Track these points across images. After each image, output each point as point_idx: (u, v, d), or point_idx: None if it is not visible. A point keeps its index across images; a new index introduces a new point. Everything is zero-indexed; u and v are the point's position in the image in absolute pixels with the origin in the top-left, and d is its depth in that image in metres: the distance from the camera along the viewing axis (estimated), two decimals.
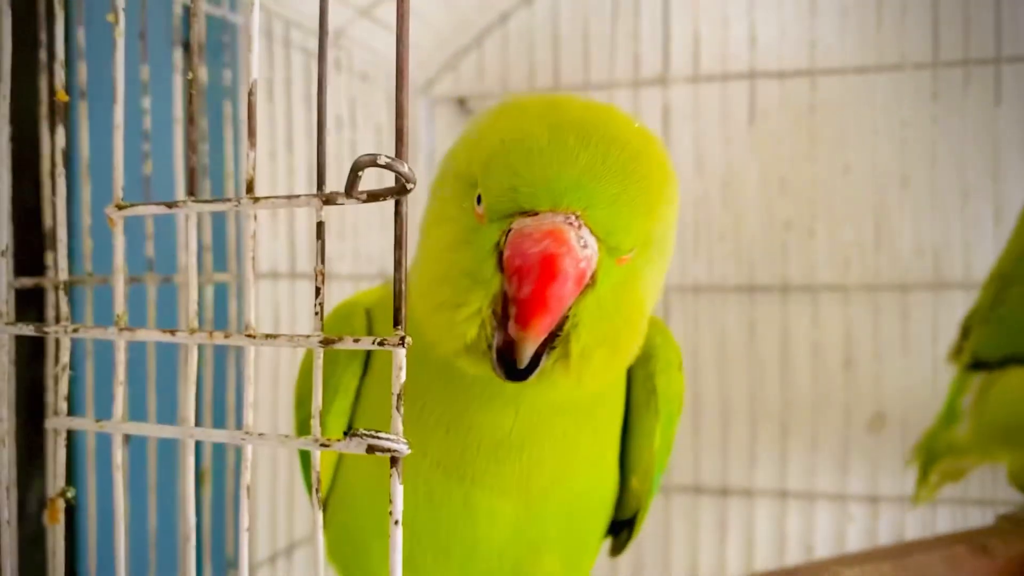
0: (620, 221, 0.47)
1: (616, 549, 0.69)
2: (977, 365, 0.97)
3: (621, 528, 0.68)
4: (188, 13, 0.89)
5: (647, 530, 1.26)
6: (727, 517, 1.25)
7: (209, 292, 0.85)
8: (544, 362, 0.48)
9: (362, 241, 1.13)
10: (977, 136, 1.17)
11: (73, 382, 0.86)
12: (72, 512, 0.87)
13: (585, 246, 0.46)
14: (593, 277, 0.47)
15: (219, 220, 0.92)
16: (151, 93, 0.77)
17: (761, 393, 1.24)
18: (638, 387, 0.60)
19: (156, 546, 0.79)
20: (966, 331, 1.01)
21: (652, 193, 0.49)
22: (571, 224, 0.46)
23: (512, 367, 0.48)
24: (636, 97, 1.25)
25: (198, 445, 0.89)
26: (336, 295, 1.06)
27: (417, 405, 0.54)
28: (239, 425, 0.82)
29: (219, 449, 0.93)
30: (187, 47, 0.96)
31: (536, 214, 0.47)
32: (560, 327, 0.48)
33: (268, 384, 0.98)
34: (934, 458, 1.04)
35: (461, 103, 1.31)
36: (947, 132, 1.17)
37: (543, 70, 1.28)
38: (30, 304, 0.76)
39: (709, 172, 1.24)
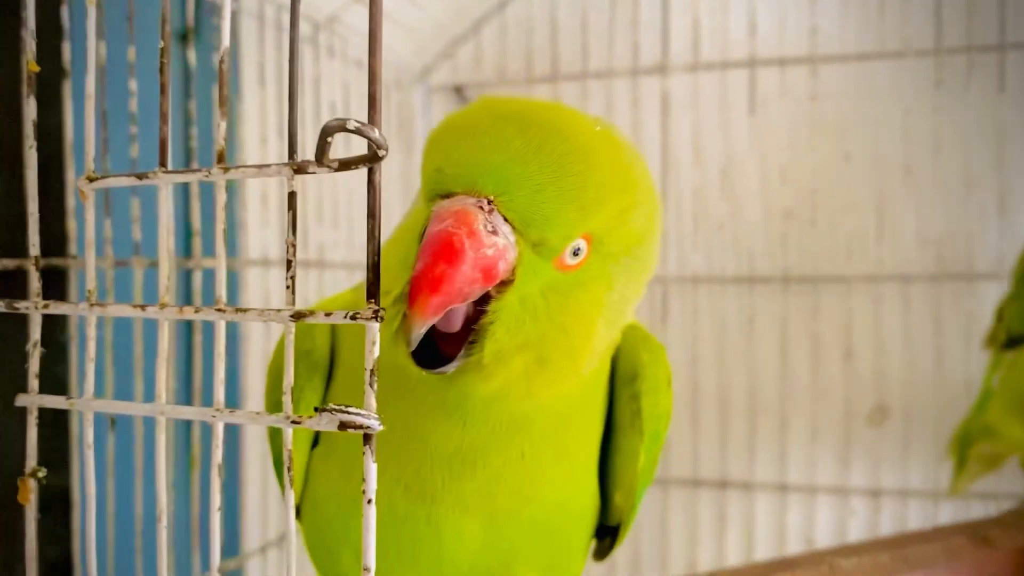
0: (543, 212, 0.45)
1: (599, 554, 0.66)
2: (1011, 343, 0.98)
3: (607, 532, 0.66)
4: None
5: (645, 523, 1.25)
6: (726, 510, 1.24)
7: (199, 277, 0.84)
8: (460, 358, 0.46)
9: (356, 229, 1.12)
10: (981, 124, 1.15)
11: (67, 364, 0.85)
12: (66, 499, 0.86)
13: (494, 232, 0.44)
14: (513, 272, 0.46)
15: (208, 206, 0.91)
16: (138, 76, 0.76)
17: (761, 385, 1.22)
18: (622, 406, 0.57)
19: (142, 534, 0.78)
20: (1001, 314, 1.01)
21: (594, 190, 0.46)
22: (480, 207, 0.44)
23: (427, 358, 0.46)
24: (635, 86, 1.24)
25: (189, 430, 0.88)
26: (329, 284, 1.05)
27: None
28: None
29: (206, 435, 0.92)
30: (183, 36, 0.95)
31: (453, 196, 0.45)
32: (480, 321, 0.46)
33: (259, 369, 0.97)
34: (969, 443, 1.04)
35: (458, 91, 1.29)
36: (950, 120, 1.16)
37: (541, 59, 1.27)
38: (17, 286, 0.75)
39: (708, 161, 1.23)
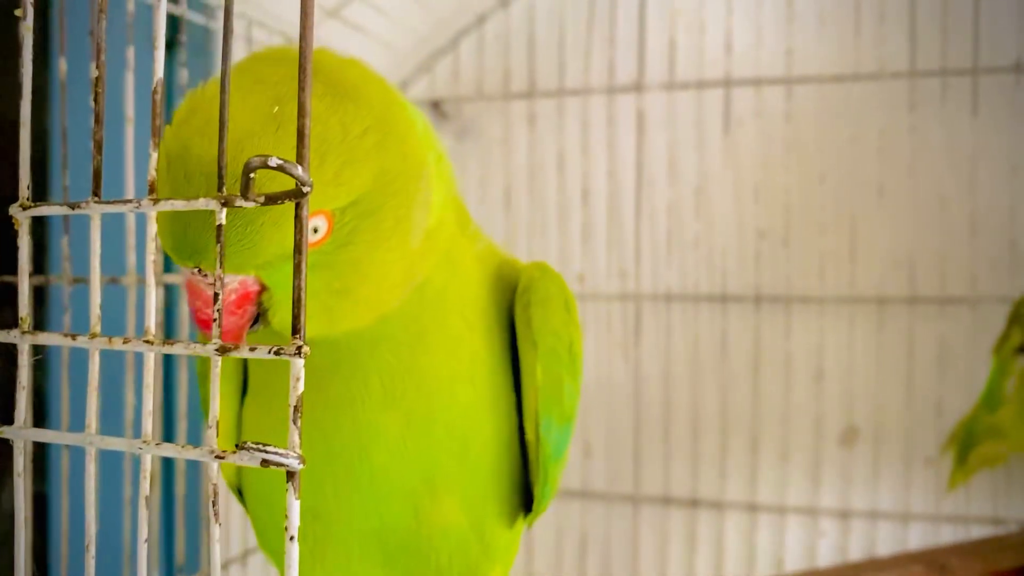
0: (248, 244, 0.45)
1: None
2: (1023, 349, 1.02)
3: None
4: (145, 10, 0.88)
5: (616, 540, 1.25)
6: (697, 529, 1.24)
7: (161, 293, 0.84)
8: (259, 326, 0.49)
9: None
10: (954, 146, 1.15)
11: (46, 392, 0.85)
12: (44, 516, 0.86)
13: (223, 285, 0.42)
14: (261, 286, 0.47)
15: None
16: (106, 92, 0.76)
17: (732, 404, 1.22)
18: (519, 324, 0.60)
19: (97, 554, 0.78)
20: (1015, 317, 1.04)
21: (274, 212, 0.44)
22: (200, 276, 0.46)
23: None
24: (611, 103, 1.24)
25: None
26: None
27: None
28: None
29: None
30: (170, 46, 0.95)
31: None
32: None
33: None
34: (974, 442, 1.07)
35: (435, 106, 1.29)
36: (924, 142, 1.16)
37: (518, 74, 1.27)
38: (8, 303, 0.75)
39: (683, 180, 1.23)
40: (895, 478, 1.18)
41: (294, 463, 0.38)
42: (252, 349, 0.40)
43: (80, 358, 0.79)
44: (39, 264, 0.87)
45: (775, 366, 1.21)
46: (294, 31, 1.07)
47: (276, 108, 0.45)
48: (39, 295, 0.86)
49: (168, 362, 0.93)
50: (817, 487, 1.20)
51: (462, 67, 1.29)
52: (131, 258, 0.82)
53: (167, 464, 0.93)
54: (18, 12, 0.46)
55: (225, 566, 0.99)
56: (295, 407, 0.39)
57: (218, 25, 1.00)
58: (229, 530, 1.01)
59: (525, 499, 0.64)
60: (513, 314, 0.61)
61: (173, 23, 0.92)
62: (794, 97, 1.19)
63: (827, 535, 1.19)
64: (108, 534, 0.79)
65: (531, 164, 1.28)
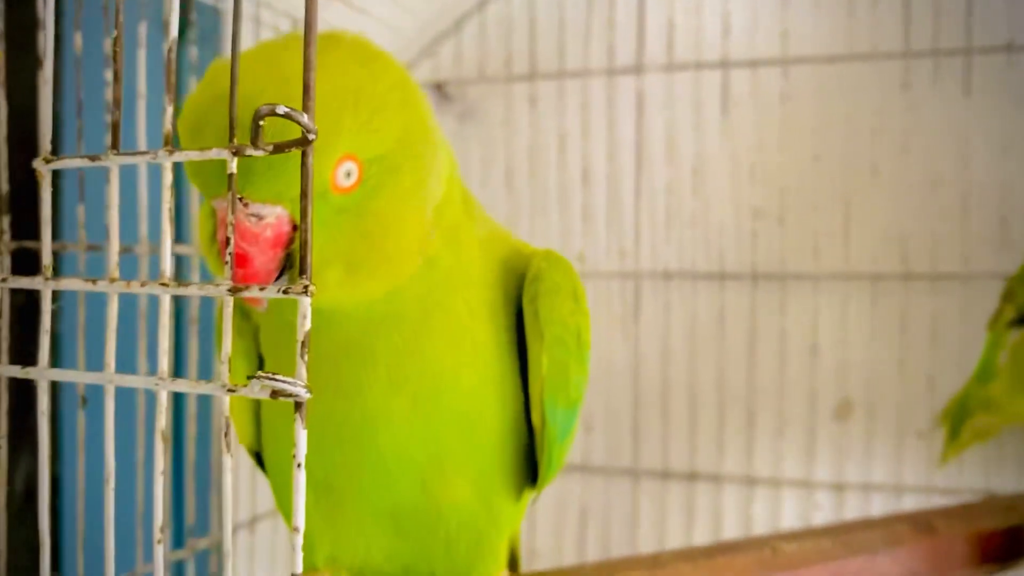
0: (283, 175, 0.47)
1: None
2: (1021, 320, 1.04)
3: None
4: None
5: (615, 513, 1.28)
6: (695, 502, 1.26)
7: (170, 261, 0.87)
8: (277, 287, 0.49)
9: None
10: (947, 126, 1.18)
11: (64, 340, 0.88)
12: (57, 487, 0.89)
13: (260, 217, 0.48)
14: (293, 225, 0.49)
15: (183, 196, 0.93)
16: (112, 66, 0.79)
17: (729, 379, 1.25)
18: (527, 314, 0.61)
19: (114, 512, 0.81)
20: (1008, 294, 1.06)
21: (322, 119, 0.45)
22: (241, 204, 0.48)
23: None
24: (611, 85, 1.27)
25: (151, 410, 0.91)
26: None
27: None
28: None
29: (179, 413, 0.95)
30: (181, 27, 0.98)
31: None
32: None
33: None
34: (967, 414, 1.09)
35: (439, 88, 1.32)
36: (917, 122, 1.18)
37: (519, 57, 1.29)
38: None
39: (681, 159, 1.25)
40: (888, 451, 1.20)
41: (302, 392, 0.41)
42: (261, 289, 0.43)
43: (95, 316, 0.82)
44: (54, 232, 0.89)
45: (771, 342, 1.23)
46: (301, 12, 1.10)
47: (288, 73, 0.47)
48: (31, 258, 0.88)
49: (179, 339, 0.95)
50: (812, 460, 1.22)
51: (465, 50, 1.31)
52: (143, 228, 0.85)
53: (178, 429, 0.96)
54: None
55: (234, 531, 1.02)
56: (302, 343, 0.41)
57: (227, 6, 1.02)
58: (238, 497, 1.04)
59: (531, 471, 0.67)
60: (521, 301, 0.62)
61: (184, 4, 0.94)
62: (790, 78, 1.21)
63: (822, 507, 1.22)
64: (122, 499, 0.82)
65: (532, 145, 1.30)
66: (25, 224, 0.74)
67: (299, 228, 0.41)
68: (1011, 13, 1.14)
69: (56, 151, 0.92)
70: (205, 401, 0.98)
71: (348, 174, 0.50)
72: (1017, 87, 1.15)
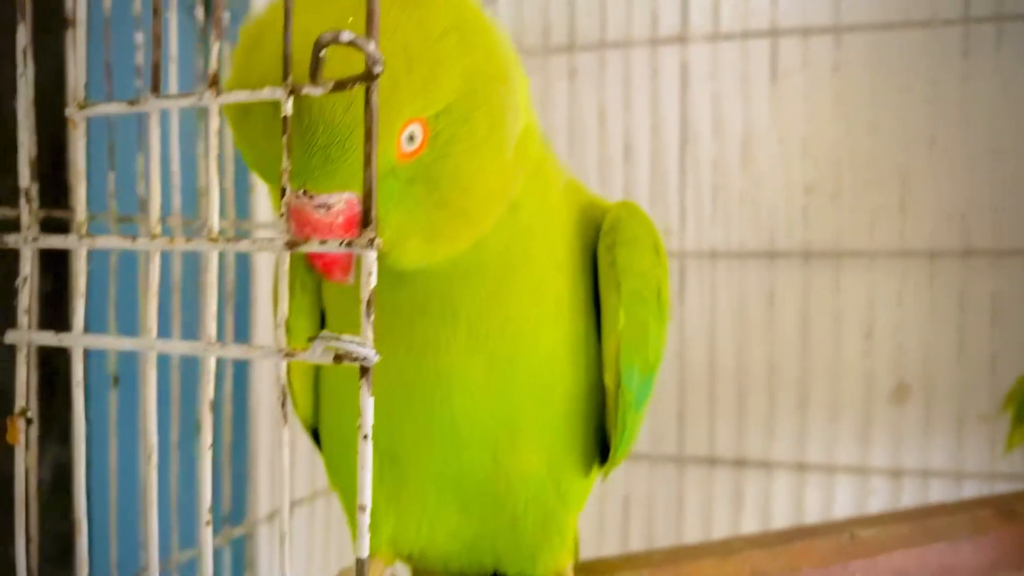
0: (346, 157, 0.43)
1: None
2: None
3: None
4: None
5: (660, 501, 1.23)
6: (743, 490, 1.21)
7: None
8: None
9: None
10: (1009, 95, 1.12)
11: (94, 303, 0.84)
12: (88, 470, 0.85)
13: (328, 207, 0.44)
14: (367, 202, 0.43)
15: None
16: (144, 29, 0.75)
17: (780, 363, 1.20)
18: (603, 265, 0.57)
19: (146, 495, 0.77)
20: None
21: (383, 88, 0.40)
22: (307, 198, 0.44)
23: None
24: (654, 56, 1.22)
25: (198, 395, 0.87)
26: None
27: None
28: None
29: (216, 402, 0.91)
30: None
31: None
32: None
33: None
34: None
35: None
36: (978, 91, 1.13)
37: (558, 28, 1.25)
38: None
39: (728, 134, 1.21)
40: (948, 436, 1.15)
41: (370, 354, 0.36)
42: (322, 243, 0.39)
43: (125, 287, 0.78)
44: (60, 201, 0.85)
45: (824, 323, 1.18)
46: None
47: (350, 18, 0.43)
48: (58, 226, 0.84)
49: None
50: (868, 446, 1.17)
51: (500, 21, 1.27)
52: (176, 201, 0.81)
53: (216, 415, 0.92)
54: None
55: (271, 517, 0.98)
56: (368, 301, 0.37)
57: None
58: (272, 483, 1.00)
59: (602, 449, 0.63)
60: (597, 254, 0.58)
61: None
62: (842, 46, 1.16)
63: (878, 493, 1.17)
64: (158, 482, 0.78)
65: (571, 120, 1.25)
66: (47, 194, 0.70)
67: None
68: None
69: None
70: (240, 381, 0.94)
71: (412, 138, 0.46)
72: None
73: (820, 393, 1.18)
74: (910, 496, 1.15)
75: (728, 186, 1.21)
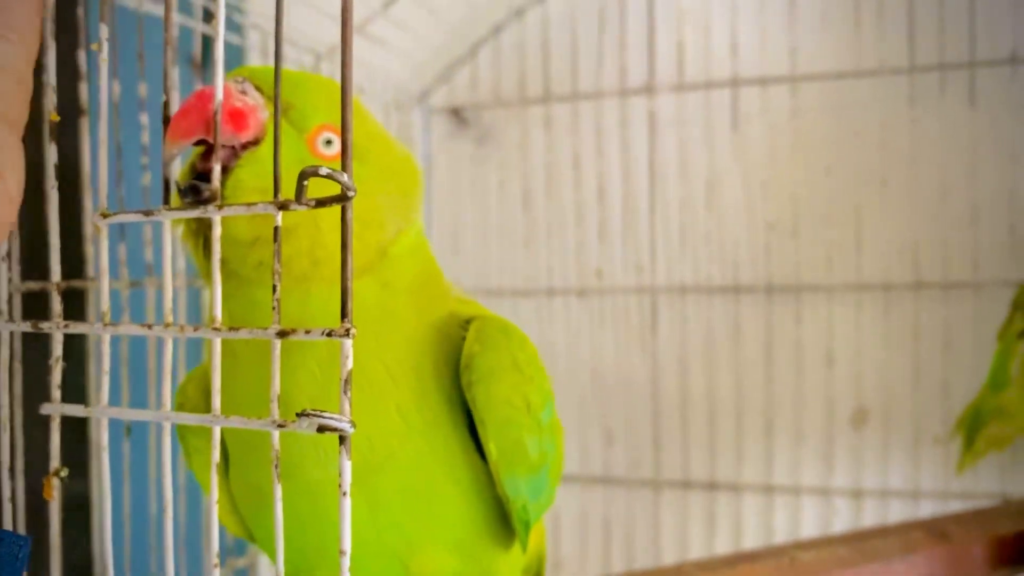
0: (290, 89, 0.54)
1: None
2: None
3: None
4: (186, 33, 0.95)
5: (638, 524, 1.31)
6: (715, 511, 1.29)
7: (207, 295, 0.90)
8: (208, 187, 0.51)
9: None
10: (953, 138, 1.20)
11: (87, 376, 0.92)
12: (87, 506, 0.92)
13: (244, 92, 0.53)
14: (264, 130, 0.53)
15: None
16: (148, 110, 0.83)
17: (747, 390, 1.27)
18: (468, 400, 0.59)
19: (156, 532, 0.85)
20: (1018, 303, 1.09)
21: (332, 90, 0.54)
22: (234, 81, 0.54)
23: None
24: (623, 106, 1.30)
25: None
26: None
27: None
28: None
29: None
30: (201, 63, 1.02)
31: None
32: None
33: None
34: (982, 424, 1.12)
35: (455, 113, 1.36)
36: (925, 134, 1.21)
37: (533, 81, 1.33)
38: (41, 305, 0.82)
39: (694, 176, 1.29)
40: (905, 457, 1.22)
41: (347, 427, 0.44)
42: (307, 332, 0.47)
43: (136, 353, 0.86)
44: (77, 270, 0.92)
45: (787, 352, 1.26)
46: (323, 47, 1.13)
47: None
48: (75, 296, 0.90)
49: None
50: (830, 468, 1.25)
51: (480, 75, 1.35)
52: (180, 262, 0.89)
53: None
54: (94, 46, 0.52)
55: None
56: (345, 380, 0.45)
57: (250, 43, 1.06)
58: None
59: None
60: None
61: (206, 42, 0.98)
62: (799, 94, 1.24)
63: (840, 514, 1.24)
64: (139, 519, 0.85)
65: (548, 165, 1.34)
66: (64, 261, 0.77)
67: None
68: (1014, 25, 1.17)
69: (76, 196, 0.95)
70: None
71: (329, 143, 0.55)
72: (1021, 98, 1.17)
73: (784, 418, 1.26)
74: (870, 515, 1.23)
75: (695, 225, 1.29)
